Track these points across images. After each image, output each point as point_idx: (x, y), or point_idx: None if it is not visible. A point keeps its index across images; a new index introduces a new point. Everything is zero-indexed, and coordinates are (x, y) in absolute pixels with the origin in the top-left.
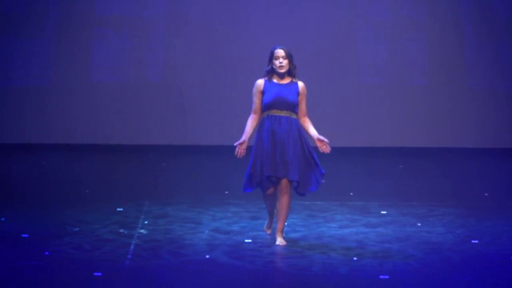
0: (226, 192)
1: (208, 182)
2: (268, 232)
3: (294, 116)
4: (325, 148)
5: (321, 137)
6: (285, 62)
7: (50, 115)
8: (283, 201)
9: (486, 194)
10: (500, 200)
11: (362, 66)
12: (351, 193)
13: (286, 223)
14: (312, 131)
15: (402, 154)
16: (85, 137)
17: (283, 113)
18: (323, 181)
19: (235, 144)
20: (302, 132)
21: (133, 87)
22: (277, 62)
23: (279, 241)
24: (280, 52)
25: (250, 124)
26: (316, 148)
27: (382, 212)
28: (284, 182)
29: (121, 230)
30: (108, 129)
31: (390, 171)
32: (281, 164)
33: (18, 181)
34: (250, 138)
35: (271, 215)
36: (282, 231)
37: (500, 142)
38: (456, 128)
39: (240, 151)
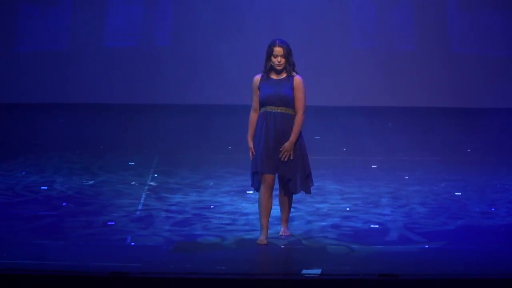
0: (229, 147)
1: (213, 137)
2: (265, 242)
3: (290, 111)
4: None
5: (284, 147)
6: (282, 61)
7: (67, 77)
8: (287, 196)
9: (468, 150)
10: (481, 155)
11: (354, 32)
12: (344, 149)
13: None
14: (294, 131)
15: (391, 113)
16: (99, 97)
17: (279, 109)
18: (312, 185)
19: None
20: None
21: (143, 51)
22: (275, 61)
23: (283, 231)
24: (279, 50)
25: (252, 124)
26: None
27: (373, 166)
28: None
29: (133, 182)
30: (121, 90)
31: (380, 129)
32: (278, 162)
33: (37, 137)
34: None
35: (265, 225)
36: (287, 221)
37: (480, 102)
38: (440, 90)
39: (252, 155)
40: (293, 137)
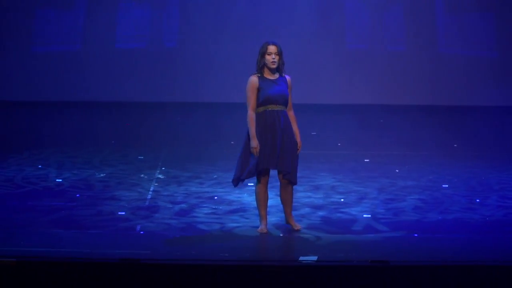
0: (232, 142)
1: (217, 133)
2: (265, 231)
3: (285, 109)
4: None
5: (298, 142)
6: (277, 58)
7: (80, 76)
8: (289, 190)
9: (455, 145)
10: (467, 150)
11: (348, 34)
12: (339, 144)
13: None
14: (295, 130)
15: (382, 110)
16: (110, 95)
17: (279, 108)
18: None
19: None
20: (291, 125)
21: (152, 52)
22: (270, 58)
23: (294, 225)
24: (273, 48)
25: (253, 123)
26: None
27: (365, 160)
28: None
29: (142, 175)
30: (130, 88)
31: (372, 125)
32: (282, 157)
33: (52, 133)
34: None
35: (264, 215)
36: (292, 214)
37: (466, 100)
38: (429, 88)
39: (256, 152)
40: (299, 134)
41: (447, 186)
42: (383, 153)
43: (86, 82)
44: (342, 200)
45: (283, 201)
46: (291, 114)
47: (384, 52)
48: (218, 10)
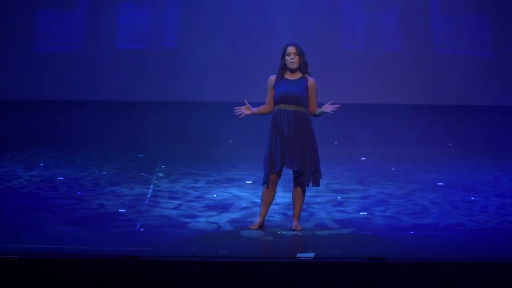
0: (231, 141)
1: (216, 132)
2: (256, 228)
3: (302, 110)
4: (334, 107)
5: (327, 105)
6: (296, 58)
7: (82, 76)
8: (299, 190)
9: (450, 144)
10: (461, 149)
11: (344, 35)
12: (336, 142)
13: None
14: (320, 109)
15: (379, 109)
16: (111, 95)
17: (292, 108)
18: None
19: (244, 107)
20: (309, 126)
21: (152, 52)
22: (289, 59)
23: (295, 225)
24: (291, 49)
25: (261, 108)
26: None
27: (362, 159)
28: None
29: (142, 173)
30: (130, 89)
31: (369, 124)
32: (289, 156)
33: (54, 132)
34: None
35: (263, 212)
36: (298, 216)
37: (460, 100)
38: (424, 88)
39: (239, 111)
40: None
41: (442, 183)
42: (379, 152)
43: (87, 82)
44: (339, 198)
45: (293, 200)
46: (315, 109)
47: (380, 53)
48: (217, 11)
